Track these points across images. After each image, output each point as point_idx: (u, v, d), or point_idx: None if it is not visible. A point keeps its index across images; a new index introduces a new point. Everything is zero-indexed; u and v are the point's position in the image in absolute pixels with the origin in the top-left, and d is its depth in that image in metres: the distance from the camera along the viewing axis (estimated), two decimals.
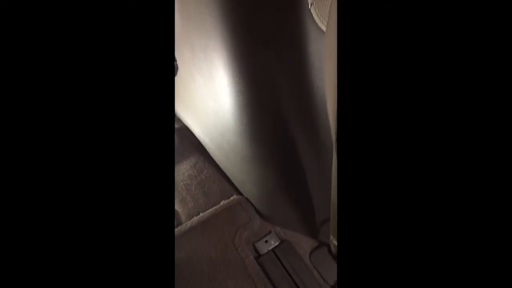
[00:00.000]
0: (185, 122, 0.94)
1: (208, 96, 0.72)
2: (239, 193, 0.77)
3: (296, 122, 0.62)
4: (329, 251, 0.67)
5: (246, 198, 0.75)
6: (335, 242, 0.62)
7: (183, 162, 0.86)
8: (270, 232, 0.69)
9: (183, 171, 0.83)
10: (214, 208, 0.73)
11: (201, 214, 0.72)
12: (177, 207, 0.76)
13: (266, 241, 0.67)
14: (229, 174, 0.79)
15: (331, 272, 0.64)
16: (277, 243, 0.67)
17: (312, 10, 0.49)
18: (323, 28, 0.50)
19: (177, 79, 0.85)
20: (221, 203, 0.74)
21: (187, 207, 0.75)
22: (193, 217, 0.72)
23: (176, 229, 0.69)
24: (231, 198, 0.75)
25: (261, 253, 0.65)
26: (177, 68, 0.83)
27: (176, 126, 0.96)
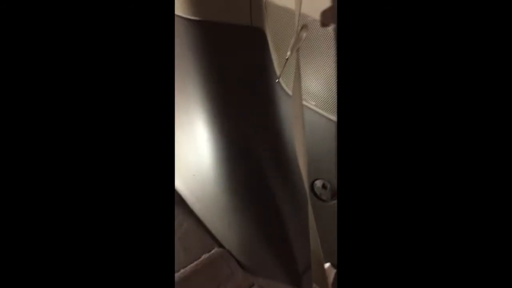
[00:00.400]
0: None
1: (188, 151, 0.76)
2: (220, 245, 0.77)
3: (272, 174, 0.66)
4: None
5: (228, 251, 0.75)
6: None
7: None
8: (253, 284, 0.68)
9: None
10: (195, 263, 0.72)
11: (182, 271, 0.71)
12: None
13: None
14: (209, 226, 0.80)
15: None
16: None
17: (281, 81, 0.57)
18: (290, 93, 0.58)
19: None
20: (202, 257, 0.73)
21: None
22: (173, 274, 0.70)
23: None
24: (213, 251, 0.75)
25: None
26: None
27: None
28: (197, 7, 0.59)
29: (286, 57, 0.51)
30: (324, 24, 0.47)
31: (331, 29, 0.47)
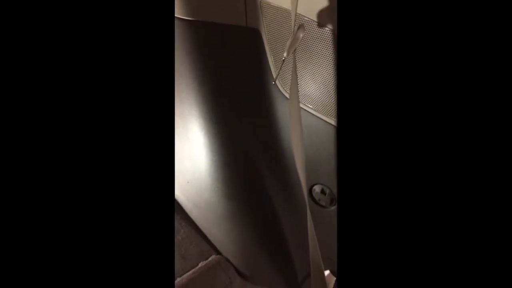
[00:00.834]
0: None
1: (184, 156, 0.74)
2: (218, 252, 0.75)
3: (269, 179, 0.65)
4: None
5: (226, 258, 0.73)
6: None
7: None
8: None
9: None
10: (192, 271, 0.70)
11: (179, 279, 0.69)
12: None
13: None
14: (207, 233, 0.78)
15: None
16: None
17: (277, 83, 0.55)
18: (287, 95, 0.56)
19: None
20: (200, 265, 0.71)
21: None
22: None
23: None
24: (210, 258, 0.73)
25: None
26: None
27: None
28: (191, 8, 0.57)
29: (283, 59, 0.49)
30: (321, 24, 0.46)
31: (328, 29, 0.46)
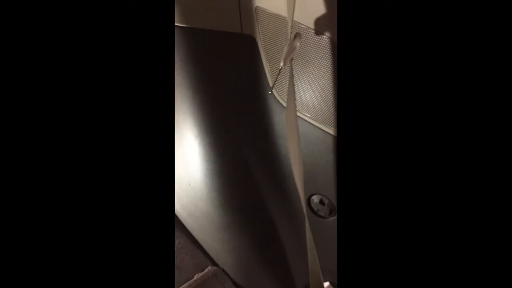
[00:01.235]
0: None
1: (179, 165, 0.72)
2: (214, 263, 0.73)
3: (267, 189, 0.63)
4: None
5: (222, 269, 0.71)
6: None
7: None
8: None
9: None
10: (187, 283, 0.68)
11: None
12: None
13: None
14: (202, 243, 0.76)
15: None
16: None
17: (274, 92, 0.54)
18: (284, 104, 0.55)
19: None
20: (195, 277, 0.69)
21: None
22: None
23: None
24: (206, 270, 0.71)
25: None
26: None
27: None
28: (186, 14, 0.56)
29: (279, 68, 0.48)
30: (318, 32, 0.45)
31: (325, 37, 0.44)
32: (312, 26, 0.45)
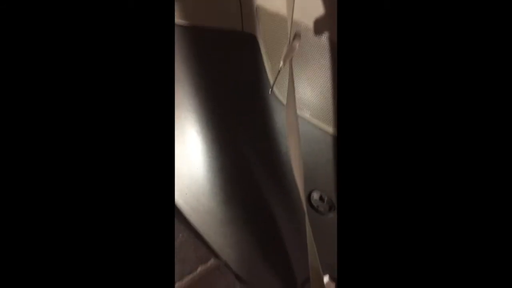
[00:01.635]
0: None
1: (182, 161, 0.74)
2: (216, 257, 0.75)
3: (268, 185, 0.64)
4: None
5: (225, 262, 0.73)
6: None
7: None
8: None
9: None
10: (191, 275, 0.70)
11: (178, 283, 0.69)
12: None
13: None
14: (206, 237, 0.78)
15: None
16: None
17: (275, 90, 0.55)
18: (284, 102, 0.55)
19: None
20: (198, 270, 0.71)
21: None
22: None
23: None
24: (209, 263, 0.73)
25: None
26: None
27: None
28: (186, 12, 0.56)
29: (279, 68, 0.48)
30: (317, 32, 0.45)
31: (325, 36, 0.45)
32: (311, 25, 0.45)
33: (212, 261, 0.73)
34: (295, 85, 0.47)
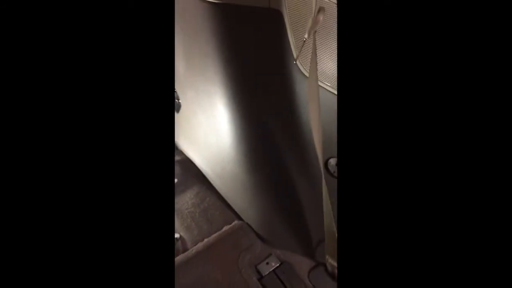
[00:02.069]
0: (187, 155, 1.02)
1: (209, 131, 0.81)
2: (240, 219, 0.83)
3: (289, 153, 0.70)
4: (326, 270, 0.72)
5: (247, 223, 0.81)
6: (331, 261, 0.67)
7: (186, 191, 0.92)
8: (270, 254, 0.74)
9: (187, 199, 0.89)
10: (217, 233, 0.79)
11: (206, 240, 0.78)
12: (183, 233, 0.81)
13: (267, 263, 0.72)
14: (230, 201, 0.86)
15: None
16: (278, 265, 0.72)
17: (298, 63, 0.59)
18: (306, 74, 0.60)
19: (179, 115, 0.94)
20: (224, 229, 0.80)
21: (192, 234, 0.80)
22: (198, 242, 0.77)
23: (182, 255, 0.73)
24: (233, 223, 0.81)
25: (263, 275, 0.70)
26: (180, 106, 0.92)
27: (179, 158, 1.03)
28: None
29: (304, 40, 0.52)
30: None
31: None
32: (334, 0, 0.48)
33: (236, 222, 0.81)
34: (317, 57, 0.51)
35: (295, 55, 0.59)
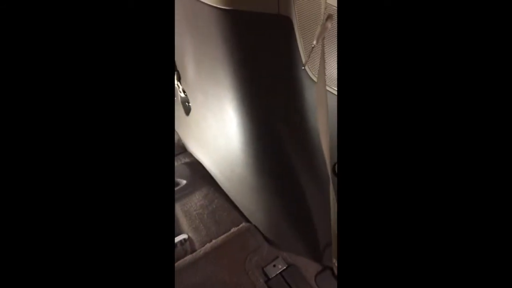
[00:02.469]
0: (196, 157, 1.04)
1: (219, 134, 0.82)
2: (247, 221, 0.84)
3: (297, 156, 0.71)
4: (333, 274, 0.72)
5: (254, 226, 0.82)
6: None
7: (195, 193, 0.93)
8: (277, 257, 0.75)
9: (196, 201, 0.91)
10: (225, 235, 0.80)
11: (214, 241, 0.79)
12: (191, 234, 0.82)
13: (274, 265, 0.73)
14: (238, 203, 0.87)
15: None
16: (285, 267, 0.72)
17: (306, 68, 0.60)
18: (315, 79, 0.60)
19: (189, 118, 0.96)
20: (232, 230, 0.81)
21: (200, 235, 0.82)
22: (206, 244, 0.78)
23: (190, 256, 0.75)
24: (241, 225, 0.82)
25: (270, 277, 0.70)
26: (190, 109, 0.94)
27: (188, 160, 1.05)
28: None
29: (312, 46, 0.53)
30: None
31: None
32: None
33: (243, 224, 0.82)
34: (326, 63, 0.52)
35: (303, 61, 0.60)
